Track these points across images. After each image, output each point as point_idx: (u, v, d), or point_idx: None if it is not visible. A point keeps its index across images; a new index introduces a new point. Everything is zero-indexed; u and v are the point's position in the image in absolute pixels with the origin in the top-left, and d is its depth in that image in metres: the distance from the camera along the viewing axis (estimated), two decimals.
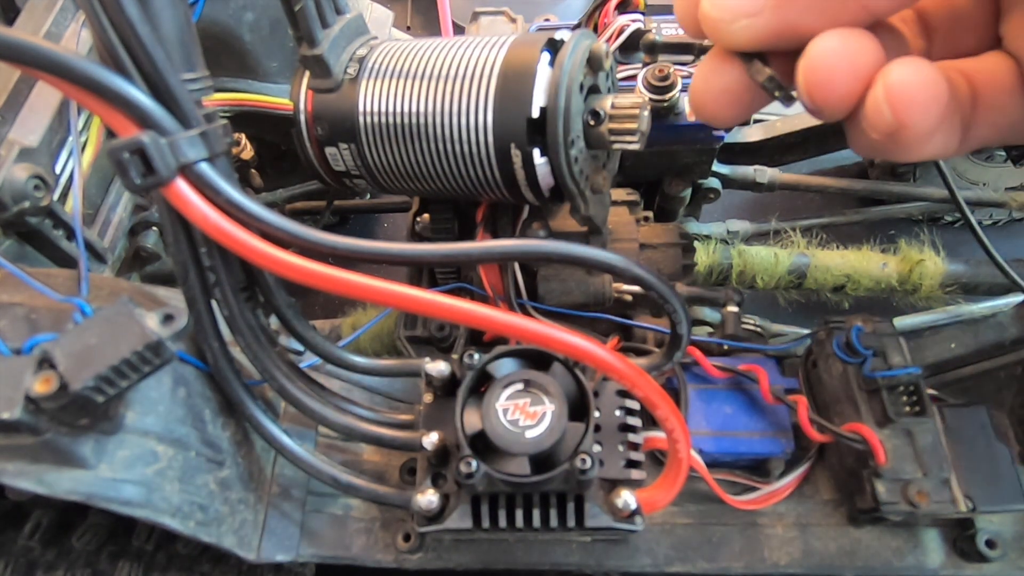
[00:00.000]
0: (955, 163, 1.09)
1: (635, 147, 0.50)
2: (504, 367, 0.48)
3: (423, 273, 0.73)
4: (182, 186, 0.36)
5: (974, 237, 0.82)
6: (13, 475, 0.39)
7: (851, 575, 0.56)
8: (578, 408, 0.46)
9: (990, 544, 0.55)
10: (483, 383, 0.48)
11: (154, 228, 0.79)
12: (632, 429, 0.50)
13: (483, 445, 0.45)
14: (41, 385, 0.35)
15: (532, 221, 0.62)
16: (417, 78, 0.52)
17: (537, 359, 0.49)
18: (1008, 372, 0.61)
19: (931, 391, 0.57)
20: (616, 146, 0.51)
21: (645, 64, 0.74)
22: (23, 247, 0.62)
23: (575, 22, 0.86)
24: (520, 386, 0.46)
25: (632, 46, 0.80)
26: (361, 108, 0.53)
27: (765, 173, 0.93)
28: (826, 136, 0.93)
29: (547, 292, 0.63)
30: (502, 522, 0.47)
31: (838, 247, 0.92)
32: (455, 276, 0.69)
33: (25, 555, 0.56)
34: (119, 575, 0.56)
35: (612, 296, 0.63)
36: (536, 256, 0.46)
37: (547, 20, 0.87)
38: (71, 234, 0.64)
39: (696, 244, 0.70)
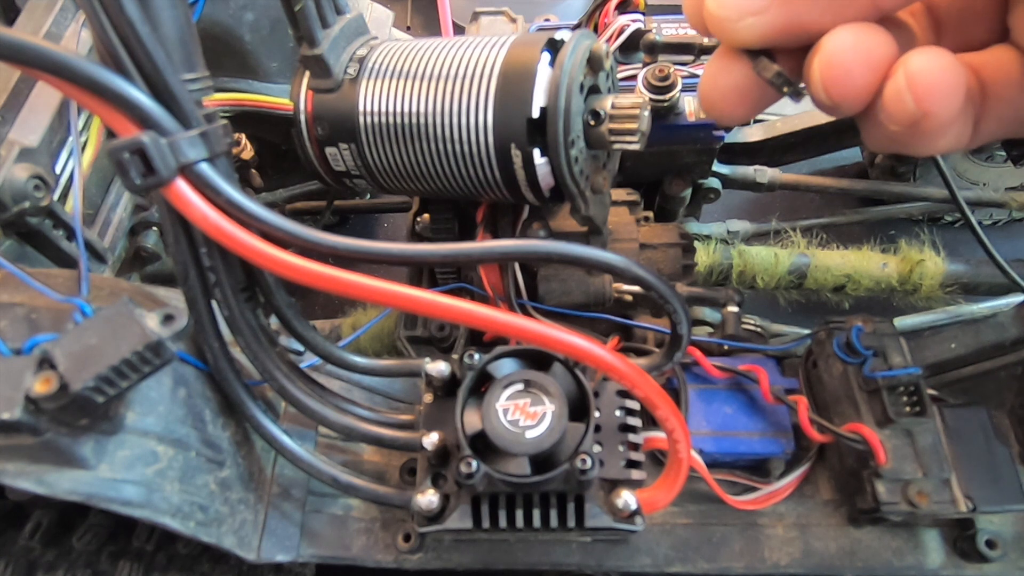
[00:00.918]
0: (955, 163, 1.09)
1: (635, 147, 0.50)
2: (504, 367, 0.48)
3: (423, 273, 0.73)
4: (182, 186, 0.36)
5: (974, 237, 0.82)
6: (13, 475, 0.39)
7: (851, 575, 0.56)
8: (578, 408, 0.46)
9: (990, 544, 0.55)
10: (483, 383, 0.48)
11: (154, 228, 0.79)
12: (632, 429, 0.49)
13: (483, 445, 0.45)
14: (41, 385, 0.35)
15: (532, 221, 0.62)
16: (417, 78, 0.52)
17: (537, 359, 0.49)
18: (1008, 372, 0.61)
19: (931, 391, 0.57)
20: (616, 146, 0.51)
21: (645, 64, 0.74)
22: (23, 247, 0.62)
23: (575, 22, 0.86)
24: (520, 386, 0.46)
25: (632, 46, 0.80)
26: (361, 108, 0.53)
27: (765, 173, 0.93)
28: (826, 136, 0.93)
29: (547, 292, 0.63)
30: (502, 522, 0.47)
31: (838, 247, 0.92)
32: (455, 276, 0.69)
33: (25, 555, 0.56)
34: (119, 575, 0.56)
35: (612, 296, 0.63)
36: (536, 256, 0.46)
37: (547, 20, 0.87)
38: (71, 234, 0.64)
39: (696, 244, 0.70)
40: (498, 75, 0.49)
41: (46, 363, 0.36)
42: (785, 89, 0.29)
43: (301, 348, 0.53)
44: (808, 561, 0.56)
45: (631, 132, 0.49)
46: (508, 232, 0.63)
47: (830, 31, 0.26)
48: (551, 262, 0.60)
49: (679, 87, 0.71)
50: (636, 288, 0.64)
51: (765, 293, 0.93)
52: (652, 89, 0.70)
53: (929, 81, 0.25)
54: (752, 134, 0.93)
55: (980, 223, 0.83)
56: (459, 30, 1.20)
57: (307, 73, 0.54)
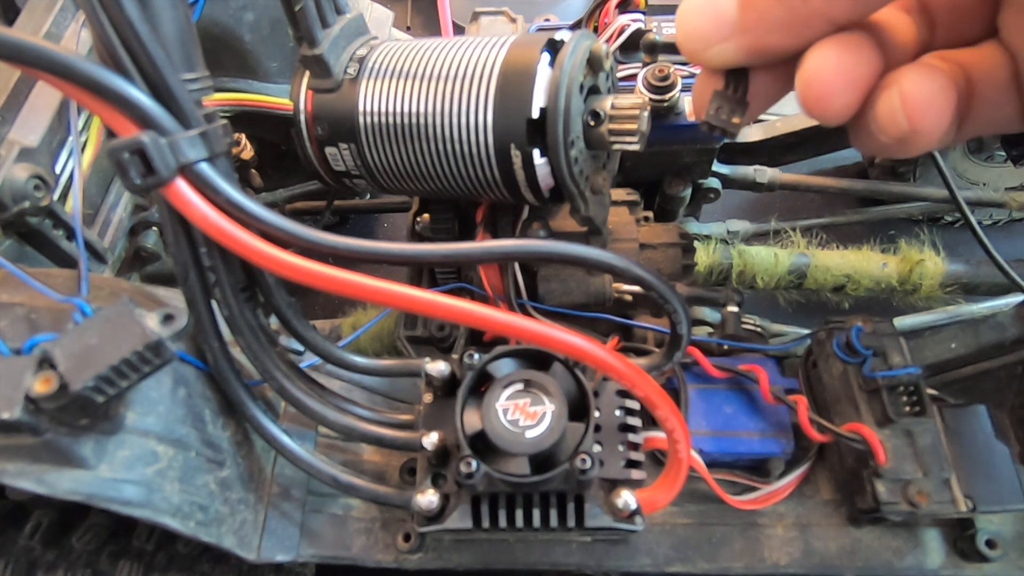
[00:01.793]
0: (955, 163, 1.09)
1: (635, 148, 0.50)
2: (504, 367, 0.48)
3: (423, 273, 0.73)
4: (182, 186, 0.36)
5: (974, 237, 0.82)
6: (13, 475, 0.39)
7: (851, 575, 0.56)
8: (578, 408, 0.46)
9: (990, 544, 0.55)
10: (483, 383, 0.48)
11: (154, 228, 0.79)
12: (632, 429, 0.49)
13: (483, 445, 0.45)
14: (41, 385, 0.35)
15: (532, 221, 0.62)
16: (417, 78, 0.52)
17: (537, 359, 0.49)
18: (1008, 372, 0.61)
19: (931, 391, 0.57)
20: (616, 147, 0.51)
21: (645, 64, 0.74)
22: (23, 247, 0.62)
23: (575, 22, 0.86)
24: (520, 386, 0.46)
25: (632, 46, 0.80)
26: (361, 108, 0.53)
27: (765, 173, 0.93)
28: (826, 136, 0.93)
29: (547, 292, 0.63)
30: (502, 522, 0.47)
31: (838, 247, 0.92)
32: (455, 276, 0.69)
33: (25, 555, 0.56)
34: (119, 575, 0.56)
35: (612, 296, 0.63)
36: (536, 256, 0.46)
37: (547, 20, 0.87)
38: (71, 234, 0.64)
39: (696, 244, 0.70)
40: (498, 75, 0.49)
41: (46, 363, 0.36)
42: (715, 134, 0.31)
43: (301, 348, 0.53)
44: (808, 561, 0.56)
45: (631, 133, 0.49)
46: (508, 232, 0.63)
47: (812, 48, 0.27)
48: (551, 262, 0.61)
49: (679, 87, 0.71)
50: (636, 288, 0.64)
51: (765, 293, 0.93)
52: (652, 89, 0.70)
53: (923, 103, 0.26)
54: (752, 134, 0.93)
55: (980, 223, 0.83)
56: (459, 30, 1.20)
57: (307, 73, 0.54)
